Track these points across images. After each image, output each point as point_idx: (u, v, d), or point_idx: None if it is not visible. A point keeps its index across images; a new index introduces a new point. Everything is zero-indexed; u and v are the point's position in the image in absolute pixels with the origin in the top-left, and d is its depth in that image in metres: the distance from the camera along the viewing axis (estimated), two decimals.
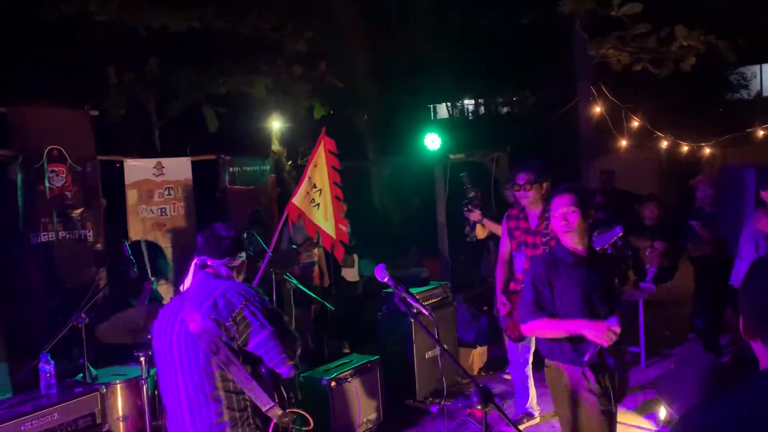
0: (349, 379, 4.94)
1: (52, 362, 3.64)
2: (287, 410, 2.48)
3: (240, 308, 2.42)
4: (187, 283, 2.60)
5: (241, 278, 2.69)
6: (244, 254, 2.69)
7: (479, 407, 2.29)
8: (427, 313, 2.67)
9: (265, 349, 2.40)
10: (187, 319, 2.44)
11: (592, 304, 3.24)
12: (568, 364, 3.26)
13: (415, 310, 2.75)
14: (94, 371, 4.49)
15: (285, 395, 2.50)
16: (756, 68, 18.72)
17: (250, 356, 2.42)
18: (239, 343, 2.40)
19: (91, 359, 4.81)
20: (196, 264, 2.61)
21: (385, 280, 2.67)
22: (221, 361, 2.37)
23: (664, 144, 9.59)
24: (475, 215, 5.69)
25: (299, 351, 2.51)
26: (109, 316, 4.98)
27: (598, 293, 3.27)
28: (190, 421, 2.45)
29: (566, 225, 3.24)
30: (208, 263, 2.61)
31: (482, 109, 18.21)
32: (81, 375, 4.34)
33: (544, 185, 4.73)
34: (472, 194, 5.77)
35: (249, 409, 2.45)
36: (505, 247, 5.06)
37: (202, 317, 2.40)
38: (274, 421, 2.46)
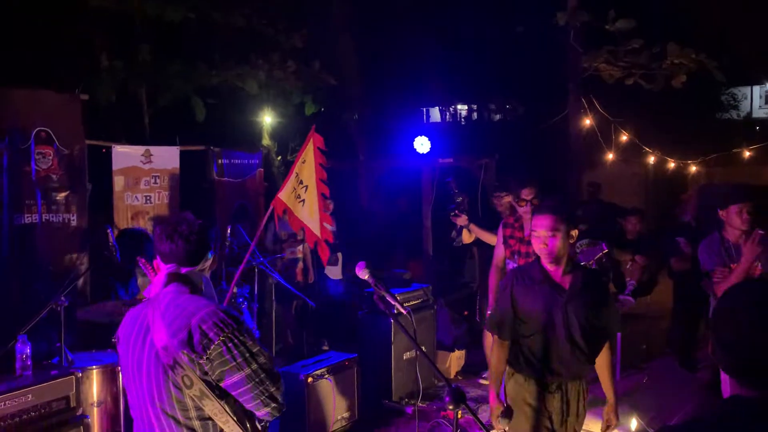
0: (326, 376, 4.95)
1: (29, 344, 3.62)
2: None
3: (217, 344, 2.18)
4: (155, 289, 2.37)
5: (209, 272, 2.53)
6: (212, 248, 2.46)
7: (451, 407, 2.28)
8: (405, 312, 2.68)
9: (238, 391, 2.22)
10: (157, 345, 2.23)
11: (552, 327, 3.21)
12: (519, 374, 3.33)
13: (395, 310, 2.77)
14: (70, 355, 4.47)
15: (258, 428, 2.34)
16: (747, 90, 18.96)
17: (224, 390, 2.26)
18: (214, 378, 2.22)
19: (69, 344, 4.79)
20: (166, 274, 2.36)
21: (366, 277, 2.68)
22: (194, 395, 2.22)
23: (652, 159, 9.70)
24: (462, 220, 5.75)
25: (282, 390, 2.29)
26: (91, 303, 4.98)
27: (566, 317, 3.18)
28: None
29: (545, 248, 3.18)
30: (182, 272, 2.36)
31: (475, 115, 18.30)
32: (57, 358, 4.33)
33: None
34: (459, 199, 5.82)
35: None
36: (500, 253, 5.13)
37: (176, 349, 2.19)
38: None
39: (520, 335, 3.31)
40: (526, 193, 4.78)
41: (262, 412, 2.27)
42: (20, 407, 3.29)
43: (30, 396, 3.35)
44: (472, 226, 5.77)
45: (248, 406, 2.26)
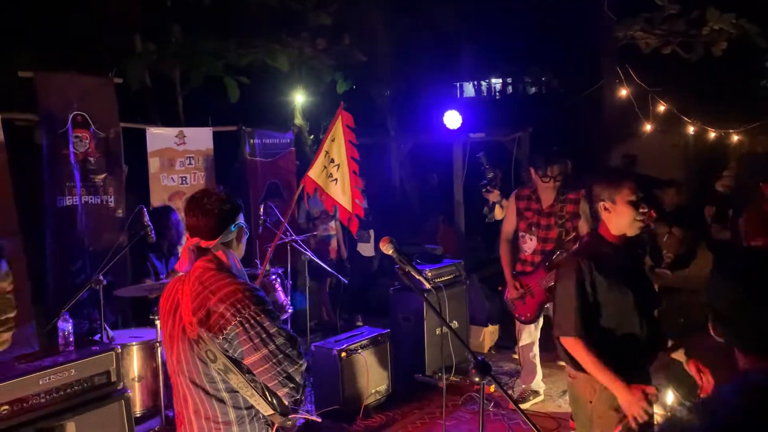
0: (360, 351, 5.03)
1: (71, 320, 3.75)
2: (289, 415, 2.37)
3: (234, 325, 2.22)
4: (183, 263, 2.41)
5: (242, 248, 2.48)
6: (239, 220, 2.44)
7: (476, 379, 2.28)
8: (429, 287, 2.68)
9: (257, 371, 2.26)
10: (184, 320, 2.31)
11: (636, 310, 2.84)
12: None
13: (424, 286, 2.78)
14: (110, 332, 4.63)
15: (285, 403, 2.35)
16: None
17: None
18: (235, 356, 2.27)
19: (110, 322, 4.96)
20: (190, 249, 2.39)
21: (390, 252, 2.70)
22: (219, 369, 2.28)
23: (691, 130, 9.44)
24: (495, 196, 5.71)
25: (302, 370, 2.30)
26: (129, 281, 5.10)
27: (645, 293, 2.89)
28: (195, 417, 2.36)
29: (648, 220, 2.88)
30: (202, 246, 2.38)
31: (509, 89, 18.05)
32: (98, 335, 4.48)
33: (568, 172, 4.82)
34: (491, 175, 5.77)
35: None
36: (510, 226, 5.09)
37: (197, 326, 2.25)
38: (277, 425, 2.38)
39: (602, 330, 2.85)
40: (554, 170, 4.75)
41: (281, 392, 2.30)
42: (63, 381, 3.42)
43: (73, 371, 3.48)
44: (505, 202, 5.73)
45: (269, 385, 2.29)
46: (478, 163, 5.89)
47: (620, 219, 2.87)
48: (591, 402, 2.87)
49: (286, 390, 2.29)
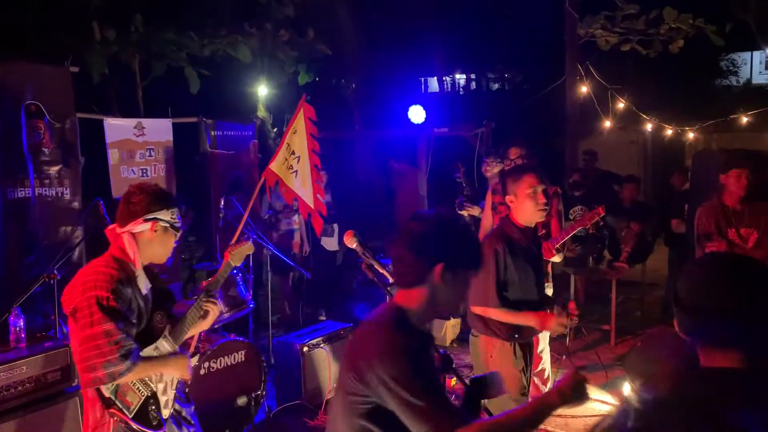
0: (322, 345, 5.00)
1: (23, 316, 3.64)
2: None
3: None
4: None
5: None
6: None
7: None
8: (392, 281, 2.68)
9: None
10: None
11: (535, 286, 3.40)
12: (506, 342, 3.35)
13: (388, 279, 2.77)
14: (65, 327, 4.50)
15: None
16: (747, 55, 18.76)
17: None
18: None
19: (64, 317, 4.81)
20: None
21: (353, 246, 2.69)
22: None
23: (649, 127, 9.64)
24: (474, 211, 5.71)
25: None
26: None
27: (539, 272, 3.44)
28: None
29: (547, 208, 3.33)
30: None
31: (473, 85, 18.18)
32: (52, 331, 4.35)
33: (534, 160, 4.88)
34: (467, 192, 5.81)
35: None
36: (488, 221, 5.11)
37: None
38: None
39: (510, 300, 3.30)
40: (514, 153, 4.82)
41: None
42: (15, 379, 3.32)
43: (24, 368, 3.38)
44: (483, 209, 5.75)
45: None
46: (443, 156, 5.92)
47: (523, 209, 3.32)
48: (491, 357, 3.35)
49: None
